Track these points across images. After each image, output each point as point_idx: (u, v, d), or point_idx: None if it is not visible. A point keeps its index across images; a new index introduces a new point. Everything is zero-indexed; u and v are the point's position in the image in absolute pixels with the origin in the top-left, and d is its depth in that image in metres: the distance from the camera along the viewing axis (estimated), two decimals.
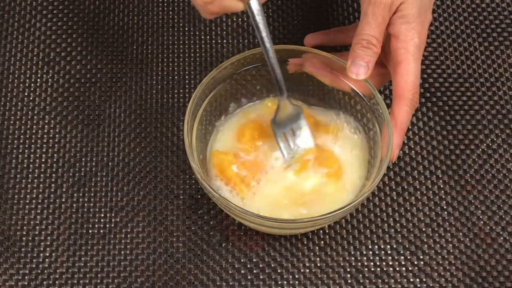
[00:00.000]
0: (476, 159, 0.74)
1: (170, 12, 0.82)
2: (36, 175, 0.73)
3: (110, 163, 0.74)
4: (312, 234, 0.71)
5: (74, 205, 0.72)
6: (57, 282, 0.69)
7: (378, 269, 0.70)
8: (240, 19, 0.81)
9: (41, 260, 0.70)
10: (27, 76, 0.78)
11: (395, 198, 0.73)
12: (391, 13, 0.65)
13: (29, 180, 0.73)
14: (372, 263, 0.70)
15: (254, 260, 0.70)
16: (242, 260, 0.70)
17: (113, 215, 0.72)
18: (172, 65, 0.79)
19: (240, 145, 0.69)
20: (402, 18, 0.65)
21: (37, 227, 0.71)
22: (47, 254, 0.70)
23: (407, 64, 0.66)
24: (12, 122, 0.76)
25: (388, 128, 0.65)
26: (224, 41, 0.80)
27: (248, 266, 0.70)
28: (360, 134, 0.70)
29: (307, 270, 0.70)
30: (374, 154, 0.68)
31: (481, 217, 0.72)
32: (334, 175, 0.68)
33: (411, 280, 0.69)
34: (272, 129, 0.69)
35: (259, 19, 0.63)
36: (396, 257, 0.70)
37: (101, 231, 0.71)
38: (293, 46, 0.71)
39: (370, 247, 0.71)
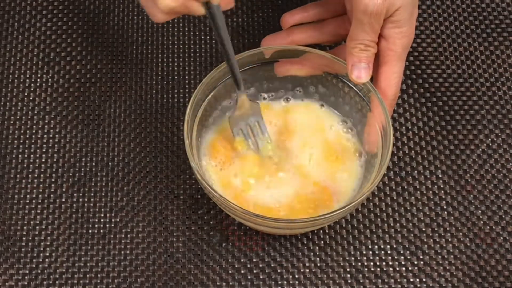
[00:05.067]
0: (476, 159, 0.74)
1: None
2: (36, 175, 0.73)
3: (110, 163, 0.74)
4: (312, 234, 0.71)
5: (74, 205, 0.72)
6: (57, 282, 0.69)
7: (378, 269, 0.70)
8: (240, 19, 0.81)
9: (41, 260, 0.70)
10: (27, 76, 0.78)
11: (395, 198, 0.73)
12: (386, 17, 0.65)
13: (29, 180, 0.73)
14: (372, 263, 0.70)
15: (254, 260, 0.70)
16: (242, 260, 0.70)
17: (113, 215, 0.72)
18: (172, 65, 0.79)
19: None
20: (394, 23, 0.65)
21: (37, 227, 0.71)
22: (47, 254, 0.70)
23: (393, 66, 0.66)
24: (12, 122, 0.76)
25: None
26: None
27: (248, 266, 0.70)
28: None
29: (307, 270, 0.70)
30: (374, 154, 0.68)
31: (481, 217, 0.72)
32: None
33: (411, 280, 0.69)
34: (229, 124, 0.69)
35: (218, 21, 0.61)
36: (396, 257, 0.70)
37: (101, 231, 0.71)
38: (292, 46, 0.71)
39: (370, 247, 0.71)
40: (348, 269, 0.70)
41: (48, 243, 0.71)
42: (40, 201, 0.72)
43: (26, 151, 0.75)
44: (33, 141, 0.75)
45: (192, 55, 0.79)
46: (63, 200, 0.73)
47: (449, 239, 0.71)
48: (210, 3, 0.59)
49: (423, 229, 0.71)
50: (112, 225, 0.71)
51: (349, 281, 0.69)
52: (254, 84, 0.71)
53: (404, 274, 0.70)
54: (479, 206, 0.72)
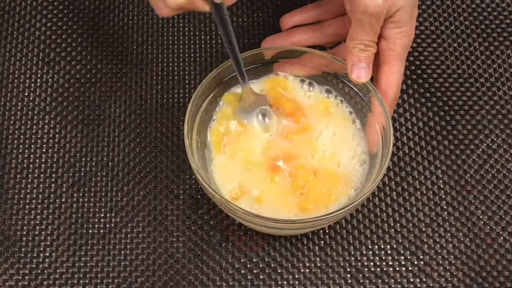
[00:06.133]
0: (476, 159, 0.74)
1: None
2: (36, 175, 0.73)
3: (110, 163, 0.74)
4: (312, 234, 0.71)
5: (74, 205, 0.72)
6: (57, 282, 0.69)
7: (378, 269, 0.70)
8: (240, 20, 0.81)
9: (41, 260, 0.70)
10: (27, 76, 0.78)
11: (395, 198, 0.73)
12: (386, 17, 0.65)
13: (29, 180, 0.73)
14: (372, 263, 0.70)
15: (254, 260, 0.70)
16: (242, 260, 0.70)
17: (113, 215, 0.72)
18: (172, 65, 0.79)
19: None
20: (394, 23, 0.65)
21: (37, 227, 0.71)
22: (47, 254, 0.70)
23: (394, 66, 0.66)
24: (12, 122, 0.76)
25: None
26: None
27: (248, 266, 0.70)
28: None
29: (307, 270, 0.70)
30: (374, 154, 0.68)
31: (481, 217, 0.72)
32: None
33: (411, 280, 0.69)
34: (239, 118, 0.69)
35: (224, 16, 0.61)
36: (396, 257, 0.70)
37: (101, 231, 0.71)
38: (291, 46, 0.71)
39: (370, 247, 0.71)
40: (348, 269, 0.70)
41: (48, 243, 0.71)
42: (40, 201, 0.72)
43: (26, 151, 0.75)
44: (33, 141, 0.75)
45: (192, 55, 0.79)
46: (63, 200, 0.73)
47: (449, 239, 0.71)
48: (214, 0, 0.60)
49: (423, 229, 0.71)
50: (112, 225, 0.71)
51: (349, 281, 0.69)
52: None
53: (404, 274, 0.70)
54: (479, 206, 0.72)
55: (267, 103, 0.69)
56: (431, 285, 0.69)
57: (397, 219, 0.72)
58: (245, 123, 0.69)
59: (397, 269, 0.70)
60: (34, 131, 0.76)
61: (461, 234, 0.71)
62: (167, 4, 0.59)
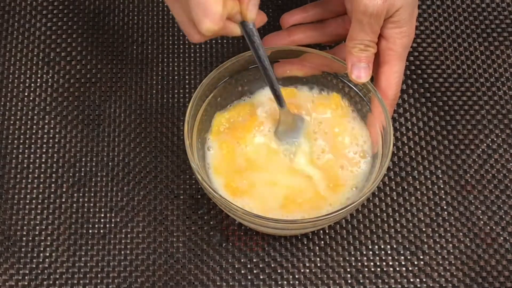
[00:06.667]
0: (476, 159, 0.74)
1: (170, 12, 0.82)
2: (36, 175, 0.73)
3: (110, 163, 0.74)
4: (312, 234, 0.71)
5: (74, 205, 0.72)
6: (57, 282, 0.69)
7: (378, 269, 0.70)
8: None
9: (41, 260, 0.70)
10: (27, 76, 0.78)
11: (395, 198, 0.73)
12: (386, 17, 0.65)
13: (29, 180, 0.73)
14: (372, 263, 0.70)
15: (254, 260, 0.70)
16: (242, 260, 0.70)
17: (113, 215, 0.72)
18: (172, 65, 0.79)
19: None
20: (394, 23, 0.65)
21: (37, 227, 0.71)
22: (47, 254, 0.70)
23: (394, 65, 0.66)
24: (12, 122, 0.76)
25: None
26: (224, 41, 0.80)
27: (248, 266, 0.70)
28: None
29: (307, 270, 0.70)
30: (374, 154, 0.68)
31: (481, 217, 0.72)
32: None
33: (411, 280, 0.69)
34: (275, 139, 0.69)
35: (255, 39, 0.62)
36: (396, 257, 0.70)
37: (101, 231, 0.71)
38: (291, 46, 0.71)
39: (370, 247, 0.71)
40: (348, 269, 0.70)
41: (48, 243, 0.71)
42: (40, 201, 0.72)
43: (26, 151, 0.75)
44: (33, 141, 0.75)
45: (192, 55, 0.79)
46: (63, 200, 0.73)
47: (449, 239, 0.71)
48: (245, 22, 0.60)
49: (423, 229, 0.71)
50: (112, 225, 0.71)
51: (349, 281, 0.69)
52: (254, 85, 0.71)
53: (404, 274, 0.70)
54: (479, 206, 0.72)
55: (302, 126, 0.69)
56: (431, 285, 0.69)
57: (397, 219, 0.72)
58: (280, 143, 0.69)
59: (397, 269, 0.70)
60: (34, 131, 0.76)
61: (461, 234, 0.71)
62: (202, 32, 0.59)
